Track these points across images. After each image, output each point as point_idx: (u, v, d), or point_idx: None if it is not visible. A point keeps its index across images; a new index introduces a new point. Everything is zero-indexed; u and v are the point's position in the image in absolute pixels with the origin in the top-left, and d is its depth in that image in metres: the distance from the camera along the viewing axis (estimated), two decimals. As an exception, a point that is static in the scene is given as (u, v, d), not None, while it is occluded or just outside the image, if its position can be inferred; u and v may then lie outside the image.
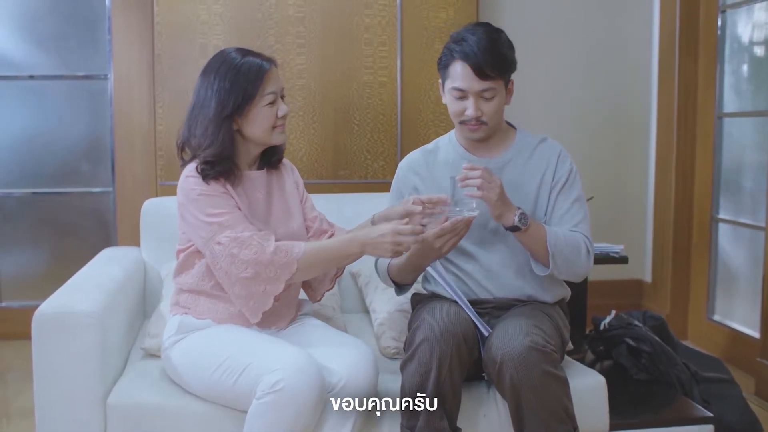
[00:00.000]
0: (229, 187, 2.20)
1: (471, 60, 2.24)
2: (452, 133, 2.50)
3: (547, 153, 2.39)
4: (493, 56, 2.25)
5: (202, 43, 3.50)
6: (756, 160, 3.69)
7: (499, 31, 2.32)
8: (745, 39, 3.82)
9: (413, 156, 2.51)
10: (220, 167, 2.17)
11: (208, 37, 3.50)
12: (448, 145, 2.48)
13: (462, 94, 2.29)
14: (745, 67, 3.85)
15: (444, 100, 2.39)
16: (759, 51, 3.75)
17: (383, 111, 3.62)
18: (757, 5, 3.67)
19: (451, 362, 2.08)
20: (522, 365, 2.04)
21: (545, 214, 2.36)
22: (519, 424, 2.10)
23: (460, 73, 2.27)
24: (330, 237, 2.39)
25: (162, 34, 3.48)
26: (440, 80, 2.39)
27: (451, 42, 2.31)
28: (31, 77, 4.04)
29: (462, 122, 2.33)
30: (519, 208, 2.21)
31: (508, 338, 2.09)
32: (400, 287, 2.43)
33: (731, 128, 3.90)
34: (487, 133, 2.35)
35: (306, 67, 3.55)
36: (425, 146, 2.53)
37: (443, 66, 2.34)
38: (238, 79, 2.16)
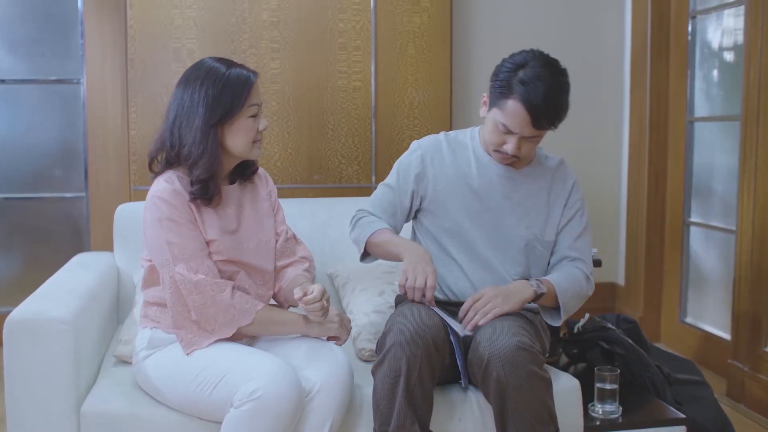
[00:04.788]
0: (202, 209, 2.20)
1: (532, 110, 2.20)
2: (476, 132, 2.47)
3: (564, 177, 2.45)
4: (555, 109, 2.23)
5: (176, 47, 3.49)
6: (726, 163, 3.73)
7: (564, 74, 2.28)
8: (715, 44, 3.86)
9: (436, 142, 2.47)
10: (211, 187, 2.17)
11: (181, 42, 3.49)
12: (469, 143, 2.46)
13: (507, 131, 2.26)
14: (715, 72, 3.90)
15: (482, 114, 2.35)
16: (728, 56, 3.79)
17: (357, 115, 3.63)
18: (726, 11, 3.72)
19: (420, 368, 2.08)
20: (509, 364, 2.05)
21: (555, 235, 2.42)
22: (502, 425, 2.11)
23: (515, 114, 2.22)
24: (293, 264, 2.39)
25: (135, 39, 3.47)
26: (488, 95, 2.33)
27: (517, 77, 2.23)
28: (3, 81, 4.00)
29: (495, 151, 2.33)
30: (530, 284, 2.28)
31: (496, 337, 2.10)
32: (366, 256, 2.44)
33: (702, 132, 3.95)
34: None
35: (280, 72, 3.55)
36: (447, 134, 2.49)
37: (499, 93, 2.25)
38: (226, 87, 2.15)
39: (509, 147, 2.27)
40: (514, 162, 2.39)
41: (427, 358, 2.09)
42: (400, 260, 2.29)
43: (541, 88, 2.19)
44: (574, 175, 2.48)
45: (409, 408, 2.08)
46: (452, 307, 2.37)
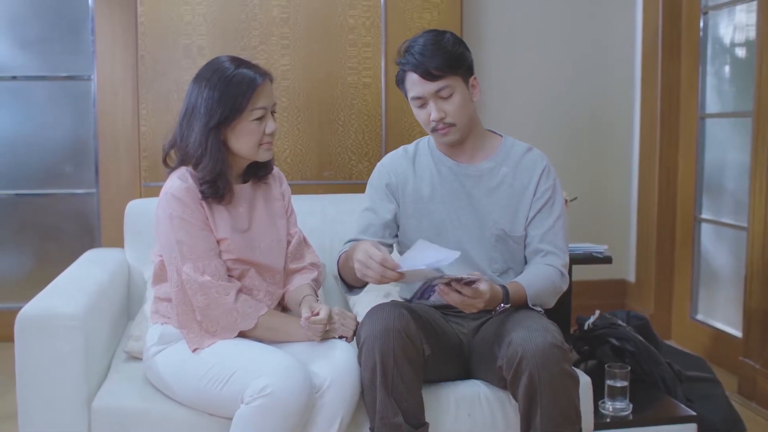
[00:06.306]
0: (214, 207, 2.20)
1: (416, 66, 2.26)
2: (431, 138, 2.48)
3: (532, 166, 2.39)
4: (436, 56, 2.26)
5: (186, 44, 3.49)
6: (737, 160, 3.72)
7: (443, 33, 2.33)
8: (727, 40, 3.84)
9: (395, 155, 2.51)
10: (220, 186, 2.17)
11: (191, 38, 3.49)
12: (426, 148, 2.47)
13: (421, 102, 2.30)
14: (726, 68, 3.88)
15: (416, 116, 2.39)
16: (740, 52, 3.78)
17: (368, 112, 3.62)
18: (738, 7, 3.70)
19: (396, 358, 2.08)
20: (543, 362, 2.04)
21: (524, 228, 2.37)
22: (527, 423, 2.10)
23: (412, 82, 2.30)
24: (302, 271, 2.39)
25: (145, 35, 3.47)
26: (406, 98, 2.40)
27: (398, 57, 2.34)
28: (14, 78, 4.02)
29: (432, 130, 2.34)
30: (499, 303, 2.19)
31: (530, 335, 2.08)
32: (350, 288, 2.40)
33: (713, 129, 3.93)
34: (461, 134, 2.35)
35: (290, 68, 3.55)
36: (406, 146, 2.52)
37: (400, 82, 2.36)
38: (228, 90, 2.13)
39: (433, 113, 2.29)
40: (458, 138, 2.35)
41: (402, 348, 2.08)
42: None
43: (416, 48, 2.28)
44: (545, 160, 2.42)
45: (389, 399, 2.08)
46: (445, 310, 2.38)
